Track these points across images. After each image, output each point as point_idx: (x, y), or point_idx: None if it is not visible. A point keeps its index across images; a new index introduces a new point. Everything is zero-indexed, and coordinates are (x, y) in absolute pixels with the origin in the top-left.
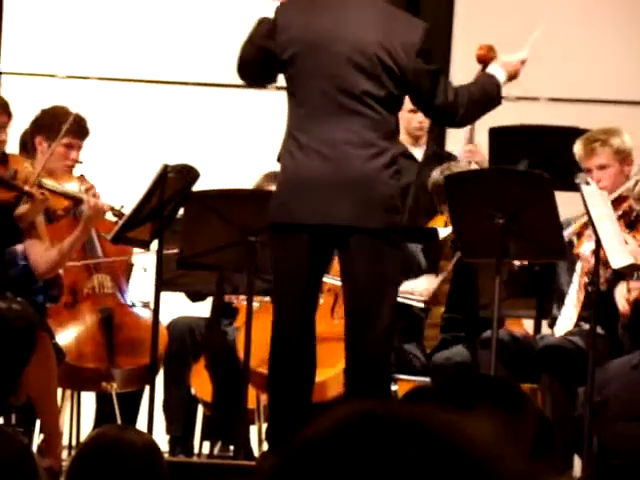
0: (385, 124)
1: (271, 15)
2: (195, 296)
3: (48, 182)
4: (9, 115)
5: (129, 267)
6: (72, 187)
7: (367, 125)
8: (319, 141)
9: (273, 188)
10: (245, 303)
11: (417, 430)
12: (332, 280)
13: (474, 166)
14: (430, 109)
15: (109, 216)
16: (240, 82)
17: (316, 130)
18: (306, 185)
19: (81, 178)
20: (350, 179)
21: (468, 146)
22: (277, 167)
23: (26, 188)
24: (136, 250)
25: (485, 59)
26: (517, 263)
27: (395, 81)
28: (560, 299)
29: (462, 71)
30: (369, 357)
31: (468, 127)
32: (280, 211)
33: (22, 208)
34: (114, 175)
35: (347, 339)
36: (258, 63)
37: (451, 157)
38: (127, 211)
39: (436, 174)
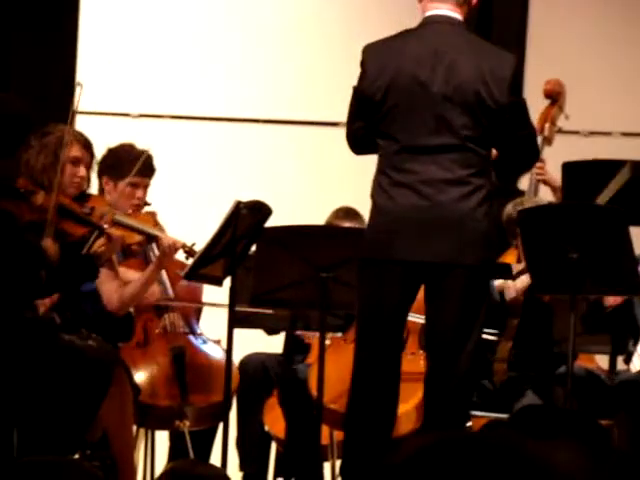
0: (479, 161)
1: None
2: (271, 330)
3: (122, 218)
4: (91, 154)
5: (199, 305)
6: (146, 223)
7: (462, 162)
8: (414, 178)
9: (344, 224)
10: (317, 339)
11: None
12: (412, 317)
13: (546, 199)
14: (516, 141)
15: (180, 255)
16: (309, 119)
17: (411, 167)
18: (401, 221)
19: (152, 216)
20: (445, 216)
21: (538, 164)
22: (347, 203)
23: (102, 224)
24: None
25: (552, 94)
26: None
27: (490, 116)
28: (635, 335)
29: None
30: (450, 393)
31: None
32: (374, 247)
33: (98, 245)
34: (186, 213)
35: (429, 374)
36: (367, 137)
37: (518, 192)
38: (198, 249)
39: (510, 208)
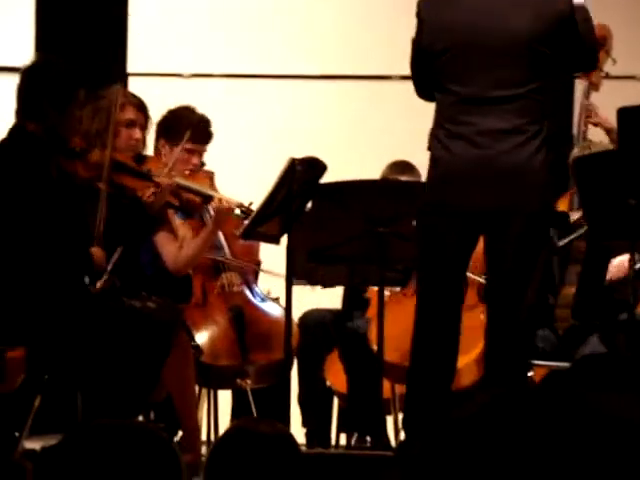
0: (536, 108)
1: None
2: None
3: (178, 180)
4: (146, 116)
5: (257, 263)
6: (202, 184)
7: (518, 111)
8: (470, 129)
9: (400, 177)
10: (376, 294)
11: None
12: (469, 275)
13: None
14: (584, 51)
15: (236, 213)
16: (361, 72)
17: (467, 119)
18: (458, 172)
19: (209, 177)
20: (502, 165)
21: (589, 107)
22: (401, 156)
23: (155, 178)
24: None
25: (598, 38)
26: None
27: (547, 62)
28: None
29: None
30: (511, 343)
31: None
32: (432, 198)
33: (148, 195)
34: (241, 173)
35: (489, 324)
36: (428, 89)
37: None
38: (255, 208)
39: (576, 152)
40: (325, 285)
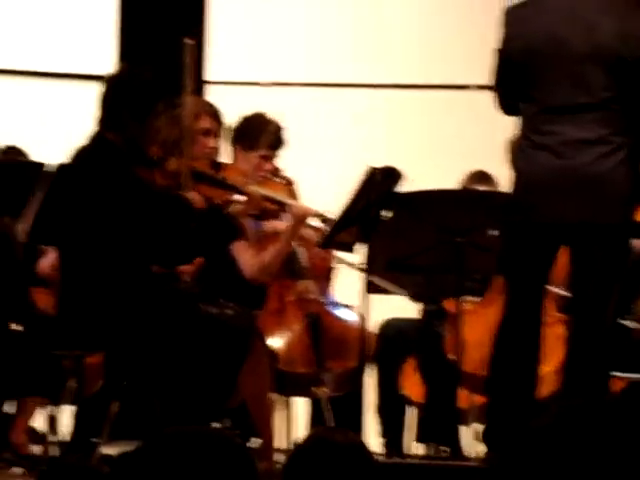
0: (620, 119)
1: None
2: (416, 295)
3: (255, 187)
4: (220, 123)
5: (332, 271)
6: (279, 192)
7: (602, 121)
8: (553, 140)
9: (478, 187)
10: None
11: None
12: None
13: None
14: None
15: (314, 222)
16: (439, 82)
17: (550, 128)
18: (541, 184)
19: (289, 185)
20: (585, 176)
21: None
22: (478, 166)
23: (243, 188)
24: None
25: None
26: None
27: (630, 74)
28: None
29: None
30: (594, 352)
31: None
32: (516, 210)
33: (234, 205)
34: (318, 181)
35: (573, 334)
36: (511, 100)
37: None
38: (332, 217)
39: None
40: (413, 298)
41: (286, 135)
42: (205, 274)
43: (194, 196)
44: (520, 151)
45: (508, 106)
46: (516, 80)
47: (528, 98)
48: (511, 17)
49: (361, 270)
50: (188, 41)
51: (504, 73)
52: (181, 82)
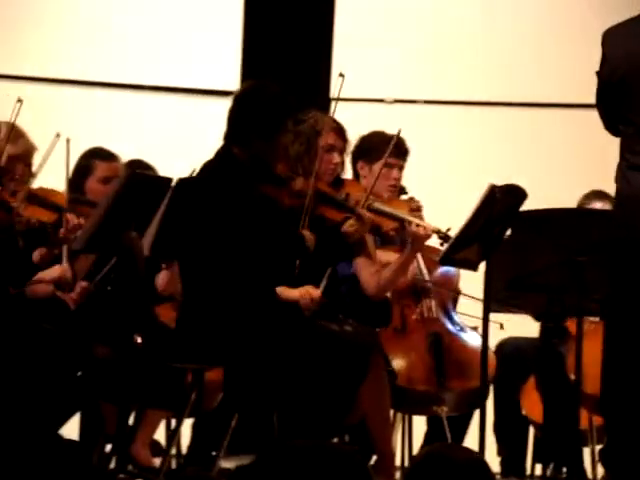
0: None
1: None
2: (540, 315)
3: (377, 205)
4: (344, 140)
5: (456, 291)
6: (400, 209)
7: None
8: None
9: (595, 205)
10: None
11: None
12: None
13: None
14: None
15: (434, 240)
16: (555, 100)
17: None
18: (637, 205)
19: (410, 200)
20: None
21: None
22: (595, 184)
23: (357, 209)
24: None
25: None
26: None
27: None
28: None
29: None
30: None
31: None
32: (618, 230)
33: (349, 225)
34: (440, 198)
35: None
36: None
37: None
38: (453, 234)
39: None
40: (536, 317)
41: (407, 145)
42: (326, 291)
43: (308, 235)
44: (619, 171)
45: (610, 127)
46: (615, 101)
47: (626, 119)
48: (610, 38)
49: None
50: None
51: (604, 94)
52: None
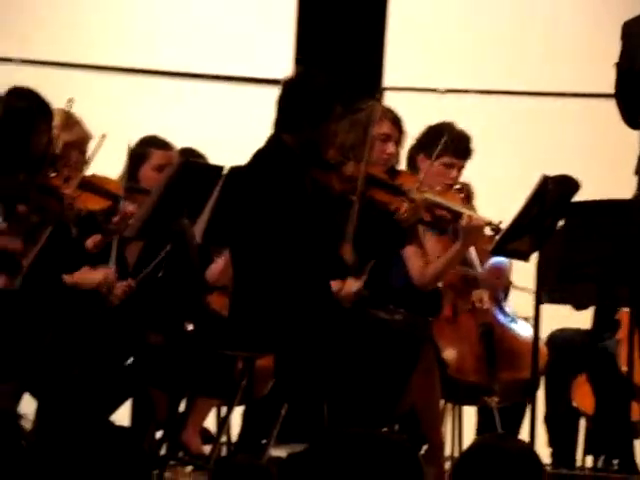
0: None
1: None
2: (580, 305)
3: (429, 195)
4: (400, 130)
5: (507, 282)
6: (454, 201)
7: None
8: None
9: None
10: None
11: None
12: None
13: None
14: None
15: (486, 231)
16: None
17: None
18: None
19: (464, 193)
20: None
21: None
22: None
23: (410, 193)
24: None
25: None
26: None
27: None
28: None
29: None
30: None
31: None
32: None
33: (402, 211)
34: (493, 190)
35: None
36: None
37: None
38: (505, 227)
39: None
40: (576, 307)
41: (472, 145)
42: (376, 281)
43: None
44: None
45: (630, 120)
46: (636, 92)
47: None
48: (629, 30)
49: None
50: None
51: (624, 86)
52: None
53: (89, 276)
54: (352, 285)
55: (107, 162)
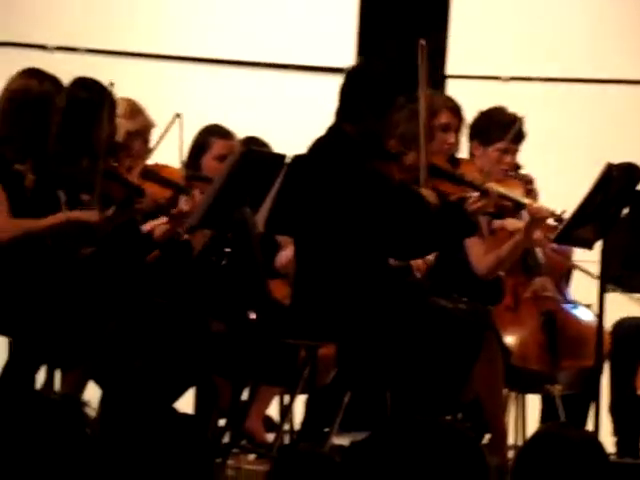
0: None
1: None
2: None
3: (492, 186)
4: (460, 119)
5: (569, 269)
6: (516, 191)
7: None
8: None
9: None
10: None
11: None
12: None
13: None
14: None
15: (549, 220)
16: None
17: None
18: None
19: (528, 182)
20: None
21: None
22: None
23: (483, 185)
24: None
25: None
26: None
27: None
28: None
29: None
30: None
31: None
32: None
33: (473, 202)
34: (557, 179)
35: None
36: None
37: None
38: (568, 216)
39: None
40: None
41: (525, 129)
42: (439, 269)
43: (429, 193)
44: None
45: None
46: None
47: None
48: None
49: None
50: (422, 42)
51: None
52: (416, 80)
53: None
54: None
55: (166, 149)
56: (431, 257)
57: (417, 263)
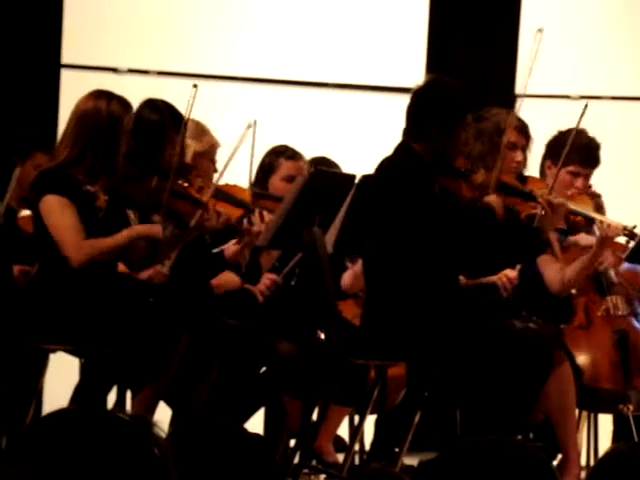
0: None
1: None
2: None
3: (561, 201)
4: (527, 137)
5: None
6: (587, 207)
7: None
8: None
9: None
10: None
11: None
12: None
13: None
14: None
15: (620, 239)
16: None
17: None
18: None
19: (595, 198)
20: None
21: None
22: None
23: (549, 199)
24: None
25: None
26: None
27: None
28: None
29: None
30: None
31: None
32: None
33: (541, 218)
34: (626, 195)
35: None
36: None
37: None
38: (638, 232)
39: None
40: None
41: (600, 154)
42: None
43: (494, 200)
44: None
45: None
46: None
47: None
48: None
49: None
50: None
51: None
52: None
53: (231, 279)
54: (509, 274)
55: (234, 171)
56: (515, 274)
57: (503, 281)
